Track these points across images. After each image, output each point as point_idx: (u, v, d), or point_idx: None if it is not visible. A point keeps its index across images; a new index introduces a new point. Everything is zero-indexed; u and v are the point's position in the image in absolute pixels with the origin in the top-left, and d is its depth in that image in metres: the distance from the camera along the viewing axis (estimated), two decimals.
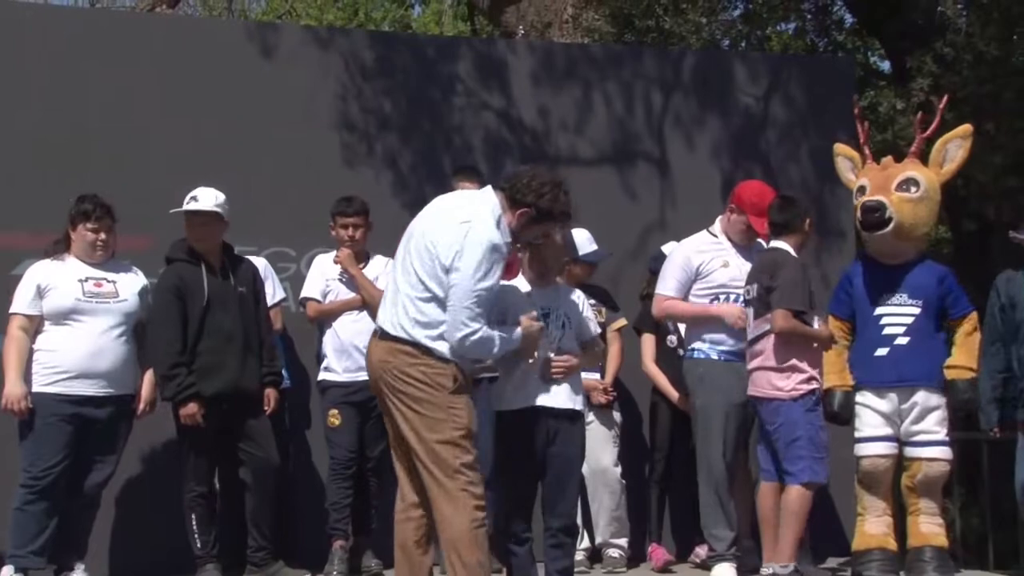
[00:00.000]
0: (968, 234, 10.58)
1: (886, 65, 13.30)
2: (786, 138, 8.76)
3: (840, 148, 7.59)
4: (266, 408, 7.14)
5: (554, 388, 5.80)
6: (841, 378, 7.02)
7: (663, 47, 10.32)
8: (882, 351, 6.99)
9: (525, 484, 5.82)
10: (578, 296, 6.04)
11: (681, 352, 7.55)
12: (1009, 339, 6.87)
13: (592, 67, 8.62)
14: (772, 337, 6.64)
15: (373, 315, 7.37)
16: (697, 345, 7.26)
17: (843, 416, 7.01)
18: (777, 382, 6.59)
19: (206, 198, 7.08)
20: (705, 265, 7.25)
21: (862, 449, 7.12)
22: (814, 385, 6.64)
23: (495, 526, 5.82)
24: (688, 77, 8.71)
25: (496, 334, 5.53)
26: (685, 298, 7.30)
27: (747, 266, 7.15)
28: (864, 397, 7.12)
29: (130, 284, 7.04)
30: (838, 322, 7.16)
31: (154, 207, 7.58)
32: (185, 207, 7.08)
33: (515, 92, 8.46)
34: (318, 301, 7.62)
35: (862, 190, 7.23)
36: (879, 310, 7.01)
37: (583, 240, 7.62)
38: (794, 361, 6.60)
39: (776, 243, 6.86)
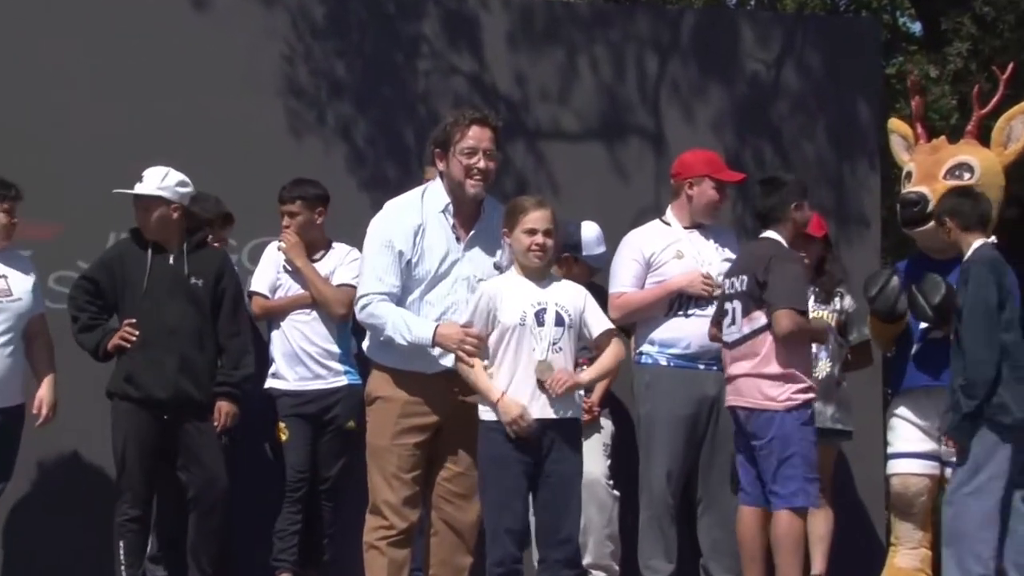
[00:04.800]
0: (1009, 222, 10.64)
1: (917, 27, 13.36)
2: (800, 110, 8.81)
3: (894, 124, 7.63)
4: (216, 423, 7.18)
5: (548, 394, 5.88)
6: None
7: (659, 5, 10.37)
8: (915, 347, 7.11)
9: (513, 506, 5.88)
10: (578, 291, 6.12)
11: None
12: None
13: (577, 27, 8.65)
14: (768, 339, 6.65)
15: (327, 314, 7.55)
16: (645, 349, 7.34)
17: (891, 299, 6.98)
18: (769, 391, 6.61)
19: (150, 179, 7.17)
20: (657, 256, 7.32)
21: (893, 466, 7.23)
22: (811, 395, 6.68)
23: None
24: (688, 40, 8.76)
25: (394, 318, 5.94)
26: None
27: (704, 255, 7.24)
28: (898, 408, 7.25)
29: (23, 280, 7.08)
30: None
31: (66, 190, 7.72)
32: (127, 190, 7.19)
33: (488, 56, 8.49)
34: (266, 297, 7.70)
35: (908, 176, 7.30)
36: None
37: (591, 238, 7.68)
38: (792, 369, 6.64)
39: (766, 233, 6.88)
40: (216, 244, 7.53)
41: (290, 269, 7.66)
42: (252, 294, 7.71)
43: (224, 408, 7.18)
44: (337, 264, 7.66)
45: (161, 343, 7.06)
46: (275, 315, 7.67)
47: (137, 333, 7.04)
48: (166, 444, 7.11)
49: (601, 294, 7.30)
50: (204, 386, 7.14)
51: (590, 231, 7.67)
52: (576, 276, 7.27)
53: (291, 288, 7.68)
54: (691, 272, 7.21)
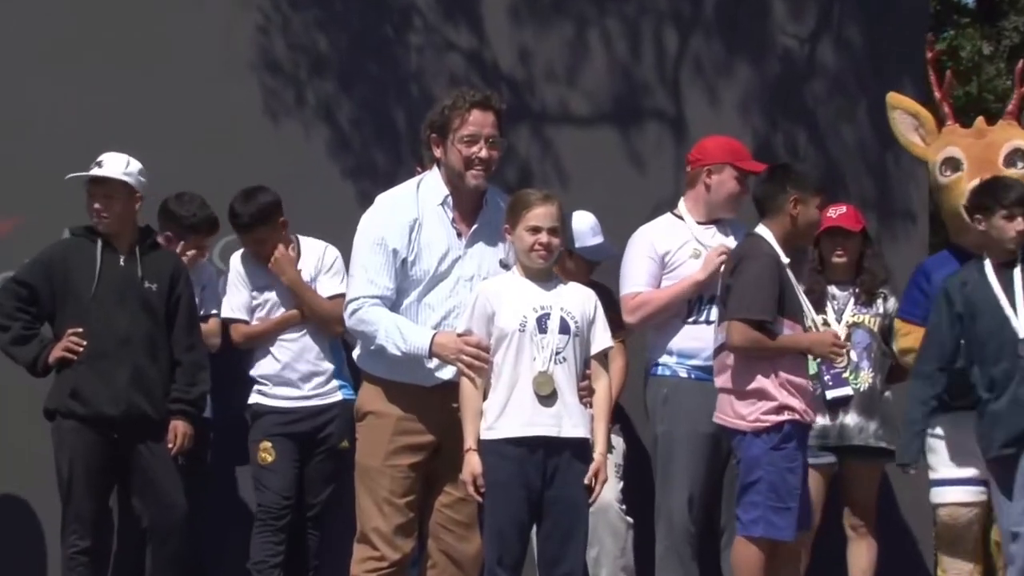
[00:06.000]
0: None
1: None
2: (838, 91, 8.75)
3: (896, 99, 7.51)
4: (170, 445, 7.14)
5: (552, 410, 5.84)
6: None
7: None
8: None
9: (511, 537, 5.86)
10: (588, 296, 6.08)
11: None
12: (975, 357, 6.82)
13: None
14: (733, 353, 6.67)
15: (320, 330, 7.54)
16: (662, 359, 7.30)
17: None
18: (740, 408, 6.60)
19: (113, 164, 7.10)
20: (672, 255, 7.28)
21: (938, 495, 7.13)
22: (785, 416, 6.56)
23: None
24: (712, 12, 8.72)
25: (387, 325, 5.89)
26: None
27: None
28: (939, 427, 7.11)
29: None
30: (913, 327, 7.15)
31: (17, 182, 7.78)
32: (88, 174, 7.10)
33: (489, 29, 8.50)
34: (246, 322, 7.65)
35: (952, 164, 7.17)
36: None
37: (585, 228, 7.59)
38: (759, 385, 6.58)
39: (757, 228, 6.82)
40: (191, 253, 7.53)
41: (267, 285, 7.63)
42: (230, 321, 7.67)
43: (180, 428, 7.15)
44: (317, 270, 7.64)
45: (111, 354, 7.02)
46: (259, 341, 7.65)
47: (84, 343, 6.99)
48: (117, 466, 7.08)
49: (604, 293, 7.20)
50: (158, 402, 7.10)
51: (583, 221, 7.59)
52: (573, 273, 7.20)
53: (269, 304, 7.63)
54: (707, 261, 7.13)
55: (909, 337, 7.23)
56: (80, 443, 7.01)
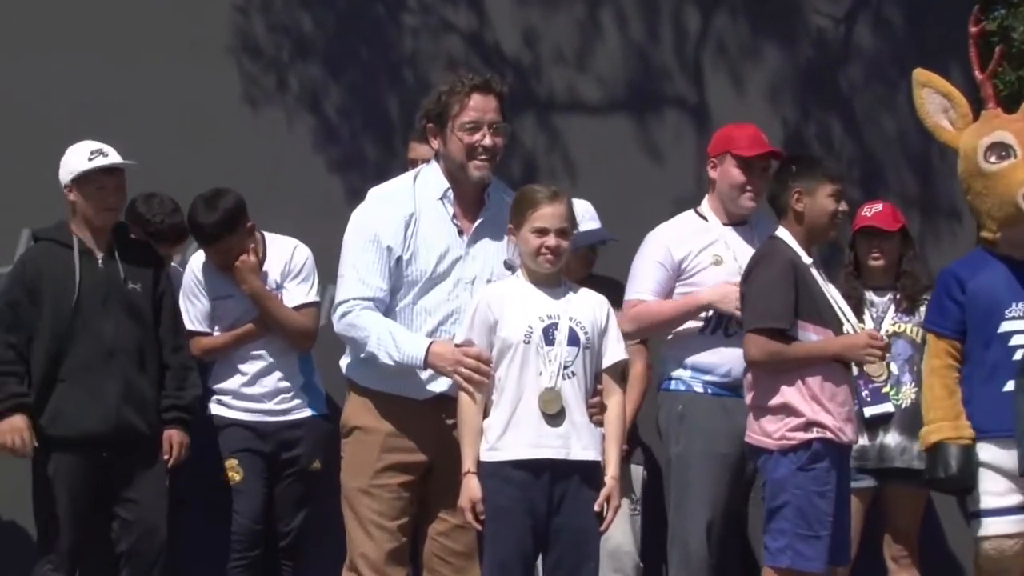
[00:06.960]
0: None
1: None
2: (876, 78, 8.67)
3: (925, 76, 7.24)
4: (166, 456, 7.06)
5: (559, 430, 5.75)
6: (956, 428, 6.78)
7: None
8: (1011, 385, 6.73)
9: (514, 562, 5.75)
10: (599, 303, 5.98)
11: None
12: None
13: None
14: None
15: (289, 341, 7.45)
16: (676, 373, 7.18)
17: (961, 482, 6.79)
18: (766, 425, 6.51)
19: (114, 152, 6.97)
20: (690, 260, 7.14)
21: (982, 527, 6.90)
22: (814, 434, 6.45)
23: None
24: None
25: (379, 331, 5.82)
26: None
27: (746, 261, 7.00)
28: (984, 452, 6.91)
29: None
30: (942, 341, 6.91)
31: None
32: (93, 164, 6.92)
33: (490, 8, 8.47)
34: (206, 333, 7.53)
35: (999, 149, 6.93)
36: (1008, 324, 6.75)
37: (579, 215, 7.37)
38: (785, 399, 6.48)
39: (778, 230, 6.72)
40: None
41: (229, 293, 7.51)
42: (189, 334, 7.52)
43: (176, 438, 7.08)
44: (283, 274, 7.50)
45: (98, 367, 6.92)
46: (219, 355, 7.58)
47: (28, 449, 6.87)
48: (102, 489, 6.95)
49: (610, 287, 7.11)
50: (150, 415, 7.03)
51: (577, 209, 7.33)
52: (571, 267, 6.99)
53: (228, 312, 7.50)
54: (724, 284, 7.00)
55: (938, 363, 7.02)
56: (63, 464, 6.87)
